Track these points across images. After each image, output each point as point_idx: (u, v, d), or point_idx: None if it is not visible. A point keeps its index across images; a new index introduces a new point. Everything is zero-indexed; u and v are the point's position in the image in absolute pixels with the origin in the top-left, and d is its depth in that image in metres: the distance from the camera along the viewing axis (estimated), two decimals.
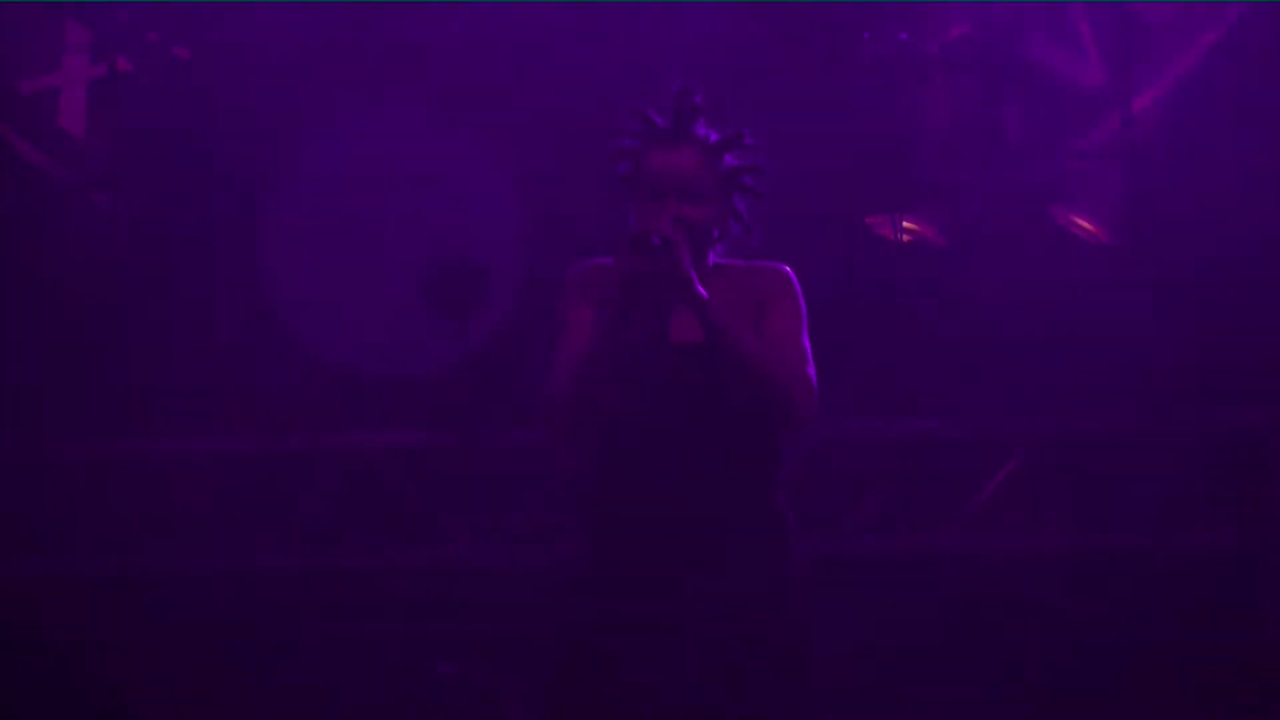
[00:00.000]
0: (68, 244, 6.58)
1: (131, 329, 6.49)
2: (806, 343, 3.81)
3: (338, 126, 6.53)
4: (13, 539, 6.37)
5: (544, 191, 6.45)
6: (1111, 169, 6.61)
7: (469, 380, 6.44)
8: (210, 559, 6.38)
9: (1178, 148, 6.57)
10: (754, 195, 3.85)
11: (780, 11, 6.57)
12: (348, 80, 6.56)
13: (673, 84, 3.85)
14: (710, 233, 3.80)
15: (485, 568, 6.41)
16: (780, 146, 4.02)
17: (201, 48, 6.62)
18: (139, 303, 6.51)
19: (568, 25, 6.53)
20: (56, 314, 6.51)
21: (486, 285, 6.44)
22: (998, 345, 6.45)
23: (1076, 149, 6.70)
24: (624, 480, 3.77)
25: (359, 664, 6.33)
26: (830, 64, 6.58)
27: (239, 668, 6.30)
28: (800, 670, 3.76)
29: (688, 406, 3.75)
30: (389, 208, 6.53)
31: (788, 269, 3.87)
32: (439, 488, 6.47)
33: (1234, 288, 6.42)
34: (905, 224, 6.66)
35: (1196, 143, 6.55)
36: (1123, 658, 6.30)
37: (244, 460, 6.45)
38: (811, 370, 3.78)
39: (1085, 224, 6.67)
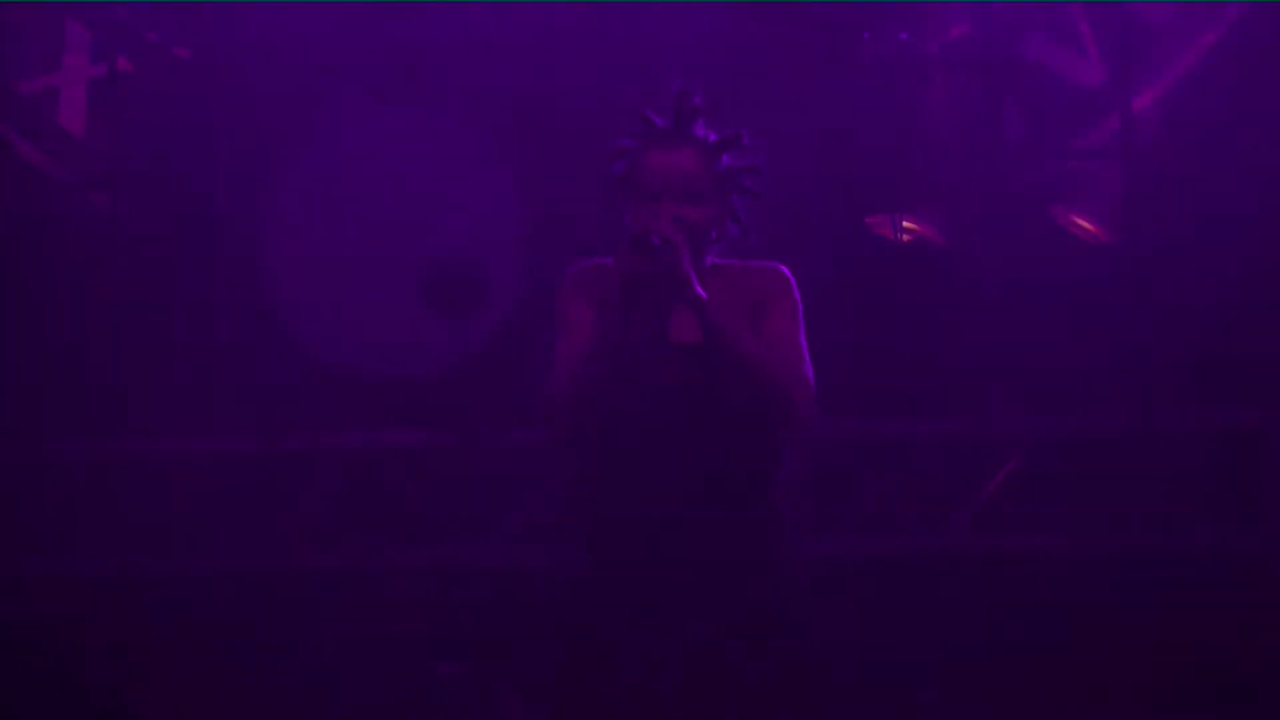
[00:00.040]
0: (68, 244, 6.58)
1: (131, 329, 6.49)
2: (804, 343, 3.81)
3: (338, 126, 6.53)
4: (13, 539, 6.37)
5: (544, 191, 6.45)
6: (1111, 169, 6.61)
7: (469, 380, 6.44)
8: (210, 559, 6.39)
9: (1178, 148, 6.57)
10: (752, 195, 3.85)
11: (780, 11, 6.57)
12: (348, 80, 6.56)
13: (672, 84, 3.85)
14: (709, 233, 3.80)
15: (485, 568, 6.41)
16: (780, 146, 4.02)
17: (201, 48, 6.62)
18: (139, 303, 6.51)
19: (568, 25, 6.53)
20: (56, 314, 6.51)
21: (486, 285, 6.44)
22: (998, 345, 6.45)
23: (1076, 149, 6.70)
24: (624, 480, 3.77)
25: (359, 664, 6.33)
26: (830, 64, 6.58)
27: (239, 668, 6.30)
28: (800, 671, 3.76)
29: (688, 407, 3.75)
30: (389, 208, 6.53)
31: (785, 269, 3.87)
32: (439, 488, 6.47)
33: (1233, 287, 6.42)
34: (905, 224, 6.66)
35: (1196, 143, 6.55)
36: (1123, 658, 6.29)
37: (244, 460, 6.45)
38: (809, 370, 3.78)
39: (1085, 224, 6.67)
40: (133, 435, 6.46)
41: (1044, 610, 6.33)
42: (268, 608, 6.37)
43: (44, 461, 6.43)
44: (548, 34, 6.54)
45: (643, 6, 6.49)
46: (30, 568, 6.38)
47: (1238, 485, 6.41)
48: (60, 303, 6.51)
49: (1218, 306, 6.42)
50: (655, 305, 3.72)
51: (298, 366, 6.48)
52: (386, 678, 6.33)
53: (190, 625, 6.32)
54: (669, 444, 3.75)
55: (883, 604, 6.29)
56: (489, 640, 6.28)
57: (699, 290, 3.67)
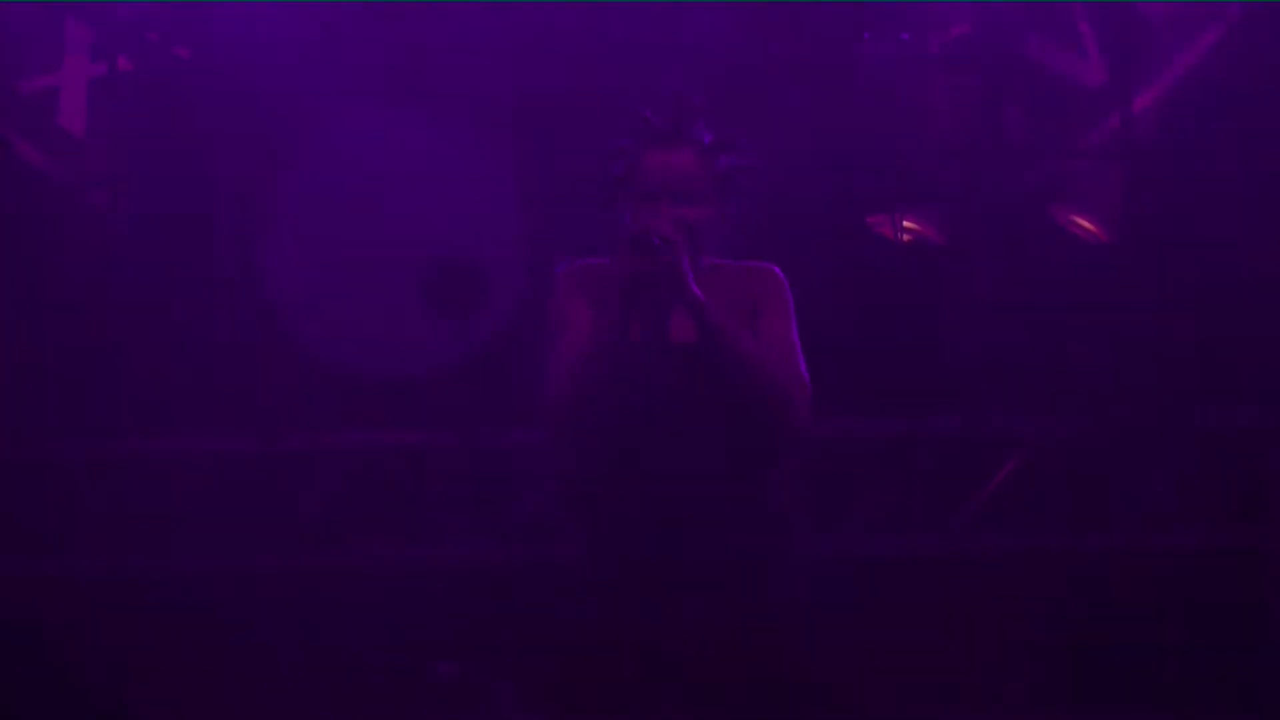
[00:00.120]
0: (68, 244, 6.58)
1: (131, 329, 6.48)
2: (797, 342, 3.82)
3: (337, 126, 6.53)
4: (13, 539, 6.37)
5: (544, 191, 6.44)
6: (1111, 169, 6.61)
7: (469, 380, 6.44)
8: (210, 559, 6.38)
9: (1178, 148, 6.57)
10: (749, 196, 3.86)
11: (780, 11, 6.56)
12: (348, 80, 6.56)
13: (671, 84, 3.86)
14: (706, 233, 3.81)
15: (485, 568, 6.41)
16: (780, 146, 4.03)
17: (201, 48, 6.62)
18: (139, 303, 6.51)
19: (568, 25, 6.53)
20: (56, 314, 6.51)
21: (486, 285, 6.44)
22: (998, 345, 6.45)
23: (1076, 149, 6.70)
24: (623, 480, 3.77)
25: (359, 664, 6.33)
26: (830, 64, 6.57)
27: (239, 668, 6.30)
28: (800, 672, 3.76)
29: (688, 407, 3.75)
30: (389, 208, 6.52)
31: (778, 269, 3.88)
32: (439, 488, 6.46)
33: (1234, 287, 6.42)
34: (905, 224, 6.66)
35: (1196, 143, 6.54)
36: (1122, 658, 6.29)
37: (244, 460, 6.45)
38: (805, 370, 3.79)
39: (1085, 224, 6.67)
40: (133, 435, 6.45)
41: (1044, 610, 6.33)
42: (268, 608, 6.37)
43: (44, 461, 6.43)
44: (548, 34, 6.54)
45: (642, 7, 6.49)
46: (30, 568, 6.38)
47: (1238, 485, 6.41)
48: (60, 303, 6.51)
49: (1218, 306, 6.42)
50: (655, 305, 3.72)
51: (298, 366, 6.48)
52: (386, 678, 6.33)
53: (190, 625, 6.32)
54: (668, 444, 3.75)
55: (883, 604, 6.29)
56: (489, 640, 6.28)
57: (696, 291, 3.67)
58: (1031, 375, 6.44)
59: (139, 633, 6.32)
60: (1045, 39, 6.68)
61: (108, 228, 6.58)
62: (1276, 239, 6.46)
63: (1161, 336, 6.42)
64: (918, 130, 6.68)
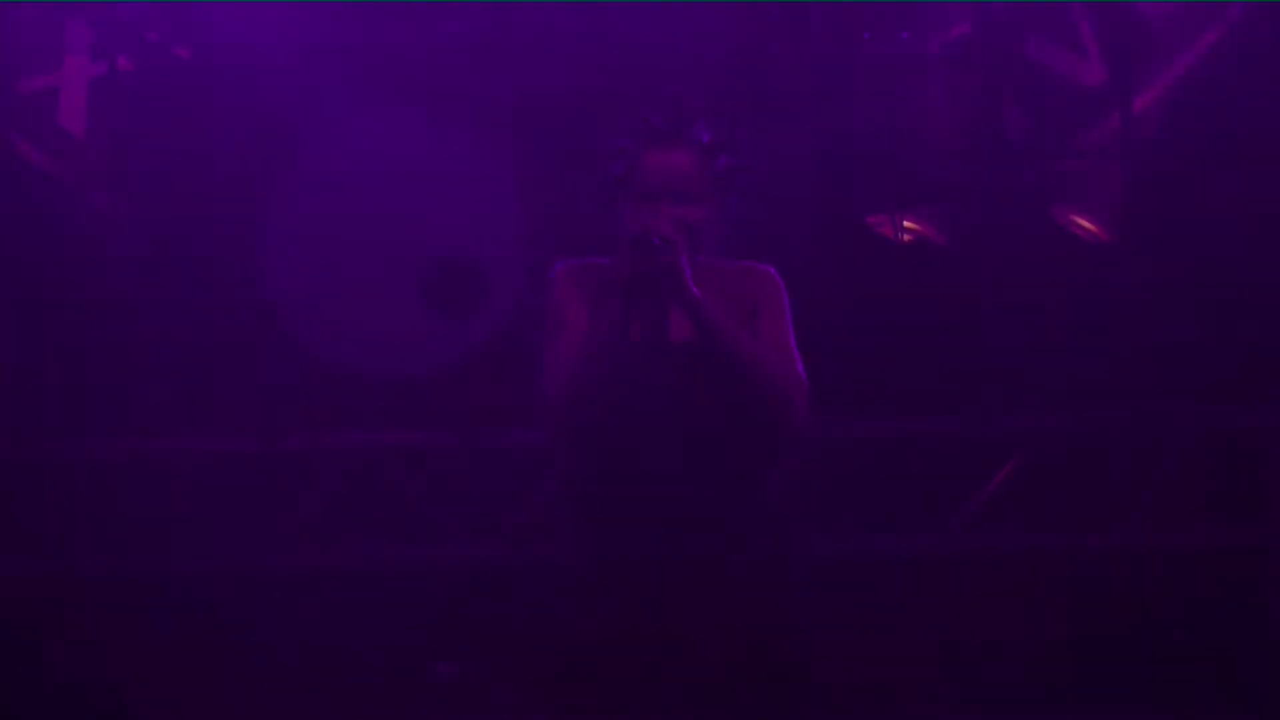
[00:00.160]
0: (68, 244, 6.58)
1: (131, 329, 6.49)
2: (794, 342, 3.82)
3: (338, 126, 6.53)
4: (13, 539, 6.37)
5: (544, 191, 6.45)
6: (1111, 169, 6.61)
7: (469, 380, 6.44)
8: (210, 559, 6.39)
9: (1178, 148, 6.57)
10: (748, 196, 3.86)
11: (780, 11, 6.57)
12: (348, 80, 6.56)
13: (671, 84, 3.86)
14: (704, 233, 3.81)
15: (485, 568, 6.41)
16: (780, 146, 4.03)
17: (201, 48, 6.62)
18: (139, 303, 6.51)
19: (567, 25, 6.53)
20: (56, 314, 6.51)
21: (486, 285, 6.44)
22: (998, 345, 6.45)
23: (1076, 149, 6.70)
24: (623, 480, 3.77)
25: (359, 664, 6.33)
26: (830, 64, 6.57)
27: (239, 668, 6.31)
28: (800, 671, 3.77)
29: (687, 406, 3.75)
30: (389, 207, 6.53)
31: (774, 270, 3.88)
32: (439, 488, 6.47)
33: (1233, 287, 6.42)
34: (905, 224, 6.66)
35: (1196, 143, 6.55)
36: (1122, 658, 6.30)
37: (244, 460, 6.45)
38: (802, 370, 3.79)
39: (1085, 224, 6.67)
40: (133, 435, 6.46)
41: (1044, 609, 6.33)
42: (268, 608, 6.37)
43: (44, 461, 6.43)
44: (548, 35, 6.54)
45: (642, 7, 6.49)
46: (30, 568, 6.38)
47: (1238, 485, 6.41)
48: (60, 303, 6.51)
49: (1218, 306, 6.42)
50: (654, 305, 3.72)
51: (298, 366, 6.48)
52: (386, 678, 6.33)
53: (190, 625, 6.32)
54: (668, 444, 3.75)
55: (883, 604, 6.29)
56: (489, 640, 6.28)
57: (694, 291, 3.67)
58: (1031, 375, 6.44)
59: (139, 633, 6.32)
60: (1045, 39, 6.68)
61: (108, 228, 6.58)
62: (1276, 239, 6.46)
63: (1162, 336, 6.42)
64: (918, 130, 6.68)
